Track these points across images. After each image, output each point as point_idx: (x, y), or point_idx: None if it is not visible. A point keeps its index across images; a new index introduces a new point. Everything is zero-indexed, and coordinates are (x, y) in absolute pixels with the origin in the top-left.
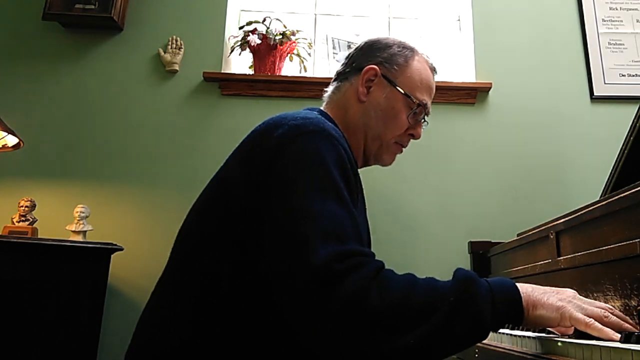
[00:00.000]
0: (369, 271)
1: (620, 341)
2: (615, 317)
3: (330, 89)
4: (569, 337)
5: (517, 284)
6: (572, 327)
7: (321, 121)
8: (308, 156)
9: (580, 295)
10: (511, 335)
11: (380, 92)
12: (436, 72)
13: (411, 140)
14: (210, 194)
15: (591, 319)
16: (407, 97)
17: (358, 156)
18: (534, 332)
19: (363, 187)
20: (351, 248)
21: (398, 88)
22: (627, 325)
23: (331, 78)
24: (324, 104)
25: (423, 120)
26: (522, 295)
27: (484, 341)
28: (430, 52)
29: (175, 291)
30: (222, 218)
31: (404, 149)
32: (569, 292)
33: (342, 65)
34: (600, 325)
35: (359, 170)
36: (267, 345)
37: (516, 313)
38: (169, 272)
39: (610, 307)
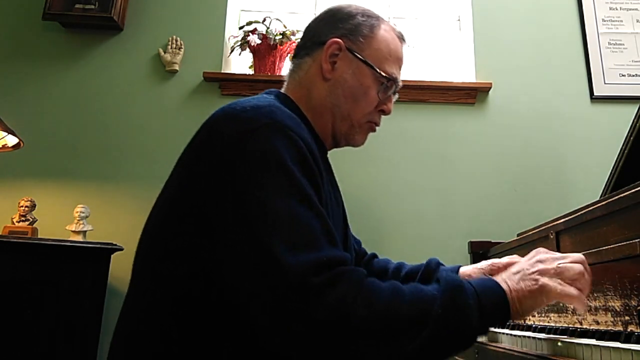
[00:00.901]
0: (349, 284)
1: (621, 341)
2: (587, 278)
3: (290, 66)
4: (569, 337)
5: (498, 281)
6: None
7: (274, 110)
8: (262, 156)
9: None
10: (511, 335)
11: (347, 68)
12: (404, 41)
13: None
14: (162, 202)
15: (575, 291)
16: (376, 71)
17: (326, 138)
18: (533, 332)
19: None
20: (325, 256)
21: (367, 61)
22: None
23: None
24: (285, 84)
25: (393, 94)
26: (506, 294)
27: (484, 341)
28: (430, 52)
29: (140, 313)
30: (171, 230)
31: (377, 128)
32: (542, 258)
33: (302, 38)
34: (583, 300)
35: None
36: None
37: (503, 313)
38: (131, 285)
39: (582, 256)
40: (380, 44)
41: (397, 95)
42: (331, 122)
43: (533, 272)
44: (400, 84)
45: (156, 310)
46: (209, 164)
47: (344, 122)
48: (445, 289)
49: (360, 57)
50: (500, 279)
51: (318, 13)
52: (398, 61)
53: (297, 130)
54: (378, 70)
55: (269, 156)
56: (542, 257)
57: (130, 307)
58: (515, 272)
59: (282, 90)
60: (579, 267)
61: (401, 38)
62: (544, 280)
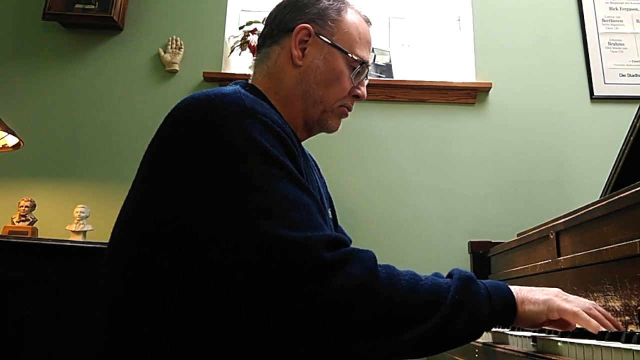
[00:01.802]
0: (365, 261)
1: (621, 341)
2: (598, 312)
3: (256, 56)
4: (569, 337)
5: (508, 285)
6: (574, 324)
7: (240, 96)
8: (240, 144)
9: (580, 295)
10: (511, 335)
11: (317, 53)
12: (371, 24)
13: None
14: (131, 203)
15: (578, 308)
16: (347, 55)
17: (298, 127)
18: (534, 332)
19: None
20: (333, 235)
21: (338, 46)
22: (608, 322)
23: None
24: (252, 75)
25: (365, 78)
26: (514, 295)
27: (484, 341)
28: (430, 52)
29: (120, 319)
30: (151, 230)
31: (349, 113)
32: (554, 290)
33: (265, 27)
34: (587, 316)
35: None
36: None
37: (510, 311)
38: (104, 284)
39: (595, 303)
40: (350, 28)
41: (367, 80)
42: (302, 110)
43: (541, 291)
44: (371, 67)
45: (140, 317)
46: (183, 158)
47: (316, 108)
48: (459, 278)
49: (330, 42)
50: (511, 285)
51: None
52: (367, 44)
53: (269, 115)
54: (350, 54)
55: (247, 144)
56: (555, 290)
57: (109, 314)
58: (528, 289)
59: (249, 82)
60: (589, 301)
61: (368, 21)
62: (550, 296)
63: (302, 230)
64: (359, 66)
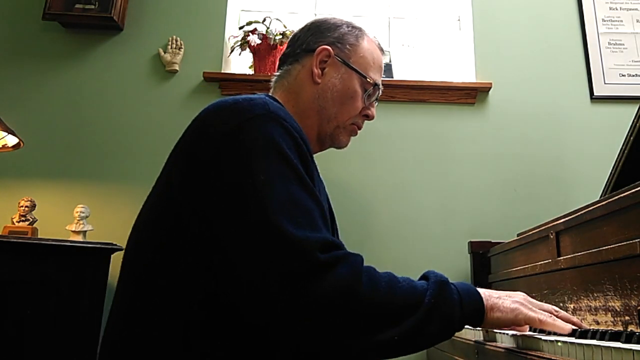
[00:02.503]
0: (353, 266)
1: (621, 341)
2: (564, 313)
3: (278, 73)
4: (569, 337)
5: (479, 290)
6: (527, 326)
7: (267, 102)
8: (260, 144)
9: (581, 295)
10: (512, 335)
11: (335, 73)
12: (384, 53)
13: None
14: (154, 199)
15: (543, 316)
16: (362, 77)
17: (311, 140)
18: (534, 332)
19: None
20: (329, 238)
21: (354, 68)
22: (575, 319)
23: None
24: (272, 90)
25: (375, 100)
26: (483, 301)
27: (484, 341)
28: (430, 52)
29: (134, 309)
30: (172, 223)
31: (359, 132)
32: (520, 295)
33: (288, 47)
34: (552, 319)
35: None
36: (234, 341)
37: (479, 317)
38: (123, 288)
39: (556, 309)
40: (365, 53)
41: (377, 103)
42: (317, 124)
43: (508, 297)
44: (382, 91)
45: (157, 306)
46: (208, 153)
47: (330, 124)
48: (435, 283)
49: (348, 63)
50: (483, 290)
51: (318, 13)
52: (380, 69)
53: (289, 121)
54: (365, 76)
55: (267, 144)
56: (521, 296)
57: (126, 307)
58: (495, 292)
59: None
60: (550, 306)
61: (382, 49)
62: (517, 305)
63: (303, 230)
64: (371, 88)
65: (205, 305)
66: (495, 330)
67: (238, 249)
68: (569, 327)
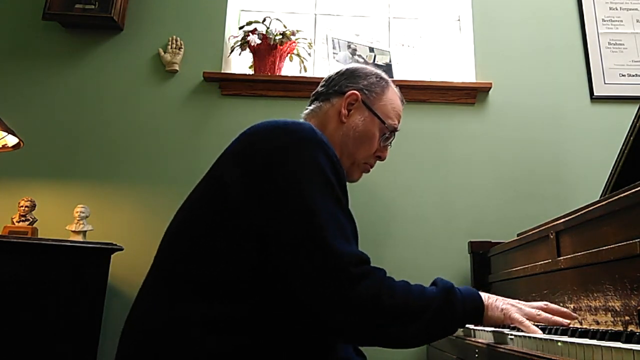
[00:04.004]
0: (377, 279)
1: (621, 341)
2: (545, 315)
3: (310, 107)
4: (569, 337)
5: (480, 293)
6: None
7: (315, 129)
8: (308, 163)
9: (581, 295)
10: (512, 335)
11: (359, 116)
12: (404, 103)
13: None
14: (201, 194)
15: (523, 318)
16: (381, 122)
17: None
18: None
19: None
20: (360, 254)
21: (376, 114)
22: (555, 319)
23: None
24: (302, 120)
25: (389, 145)
26: (483, 302)
27: (485, 341)
28: (430, 52)
29: (167, 295)
30: (215, 218)
31: (371, 170)
32: (512, 300)
33: (322, 86)
34: (528, 323)
35: None
36: (270, 346)
37: (478, 316)
38: (156, 276)
39: (546, 303)
40: (387, 102)
41: (391, 146)
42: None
43: (502, 300)
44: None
45: (200, 299)
46: (260, 163)
47: (347, 159)
48: (442, 288)
49: (372, 109)
50: (484, 294)
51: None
52: (398, 117)
53: (332, 148)
54: (384, 122)
55: (313, 164)
56: (514, 300)
57: (162, 298)
58: (493, 296)
59: None
60: (539, 304)
61: (402, 100)
62: (507, 306)
63: (340, 242)
64: (388, 133)
65: (246, 294)
66: (504, 332)
67: (285, 251)
68: (534, 329)
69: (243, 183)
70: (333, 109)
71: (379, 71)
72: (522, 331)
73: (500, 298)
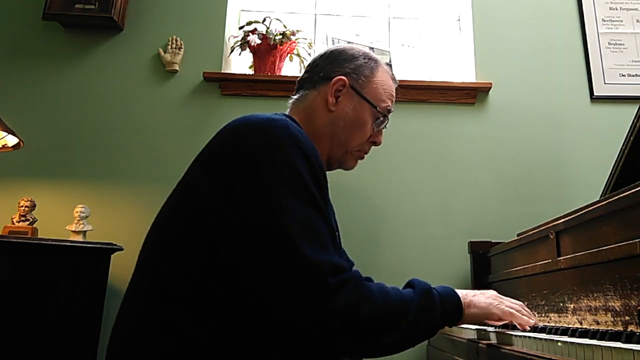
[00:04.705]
0: (355, 287)
1: (621, 341)
2: (527, 310)
3: (295, 96)
4: (569, 337)
5: (456, 290)
6: (499, 320)
7: (288, 125)
8: (279, 165)
9: (581, 295)
10: (512, 335)
11: (348, 102)
12: (396, 83)
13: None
14: (175, 198)
15: (513, 310)
16: (373, 107)
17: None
18: (534, 332)
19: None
20: (337, 261)
21: (367, 99)
22: (533, 318)
23: None
24: (288, 110)
25: (384, 127)
26: (461, 300)
27: (485, 341)
28: (430, 52)
29: (147, 296)
30: (188, 221)
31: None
32: (492, 292)
33: (306, 72)
34: (520, 314)
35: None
36: (242, 344)
37: (458, 314)
38: (138, 278)
39: (522, 304)
40: (378, 84)
41: (386, 128)
42: (327, 148)
43: (482, 295)
44: (389, 119)
45: (170, 304)
46: (229, 169)
47: (339, 149)
48: (419, 292)
49: (361, 94)
50: (461, 291)
51: (318, 13)
52: (391, 98)
53: (309, 146)
54: (376, 107)
55: (285, 166)
56: (492, 293)
57: (138, 302)
58: (470, 292)
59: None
60: (518, 302)
61: (394, 79)
62: (490, 300)
63: (315, 251)
64: (381, 117)
65: (218, 304)
66: (508, 332)
67: (255, 262)
68: (532, 322)
69: (209, 190)
70: (319, 97)
71: (366, 51)
72: (521, 331)
73: (478, 292)
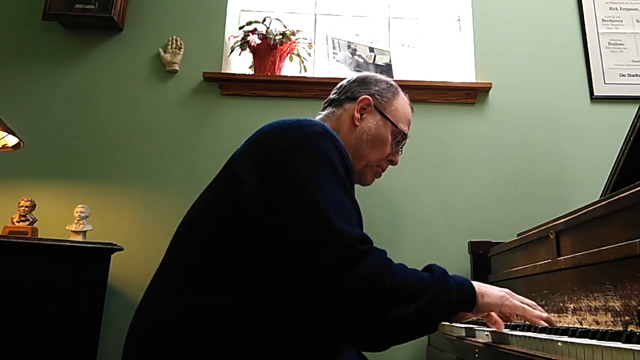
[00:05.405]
0: (380, 257)
1: (621, 341)
2: (540, 308)
3: (323, 112)
4: (569, 337)
5: (472, 282)
6: (510, 315)
7: (325, 125)
8: (317, 154)
9: (581, 295)
10: (512, 335)
11: (372, 120)
12: (414, 111)
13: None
14: (215, 191)
15: (526, 305)
16: (394, 126)
17: None
18: (534, 332)
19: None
20: (364, 235)
21: (388, 118)
22: (548, 315)
23: (331, 78)
24: None
25: (401, 149)
26: (475, 289)
27: (485, 341)
28: (430, 52)
29: (176, 287)
30: (228, 213)
31: (382, 174)
32: (505, 289)
33: (334, 93)
34: (533, 311)
35: None
36: (274, 340)
37: (472, 301)
38: (166, 270)
39: (534, 303)
40: (398, 107)
41: (402, 152)
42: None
43: (495, 288)
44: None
45: (192, 289)
46: (273, 158)
47: (360, 162)
48: (438, 273)
49: (383, 113)
50: (473, 282)
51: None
52: (409, 123)
53: (341, 142)
54: (396, 126)
55: (322, 155)
56: (506, 290)
57: (163, 284)
58: (485, 286)
59: None
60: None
61: (412, 108)
62: (503, 293)
63: (344, 224)
64: (399, 136)
65: (253, 289)
66: (505, 331)
67: (292, 233)
68: (545, 315)
69: (256, 178)
70: (346, 114)
71: (388, 79)
72: (522, 331)
73: (490, 286)
